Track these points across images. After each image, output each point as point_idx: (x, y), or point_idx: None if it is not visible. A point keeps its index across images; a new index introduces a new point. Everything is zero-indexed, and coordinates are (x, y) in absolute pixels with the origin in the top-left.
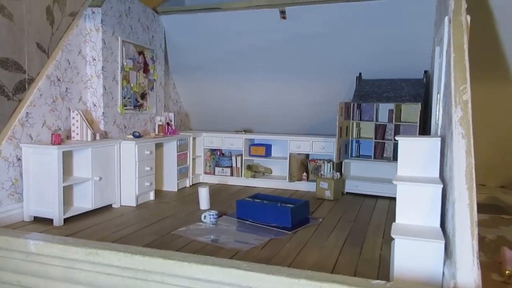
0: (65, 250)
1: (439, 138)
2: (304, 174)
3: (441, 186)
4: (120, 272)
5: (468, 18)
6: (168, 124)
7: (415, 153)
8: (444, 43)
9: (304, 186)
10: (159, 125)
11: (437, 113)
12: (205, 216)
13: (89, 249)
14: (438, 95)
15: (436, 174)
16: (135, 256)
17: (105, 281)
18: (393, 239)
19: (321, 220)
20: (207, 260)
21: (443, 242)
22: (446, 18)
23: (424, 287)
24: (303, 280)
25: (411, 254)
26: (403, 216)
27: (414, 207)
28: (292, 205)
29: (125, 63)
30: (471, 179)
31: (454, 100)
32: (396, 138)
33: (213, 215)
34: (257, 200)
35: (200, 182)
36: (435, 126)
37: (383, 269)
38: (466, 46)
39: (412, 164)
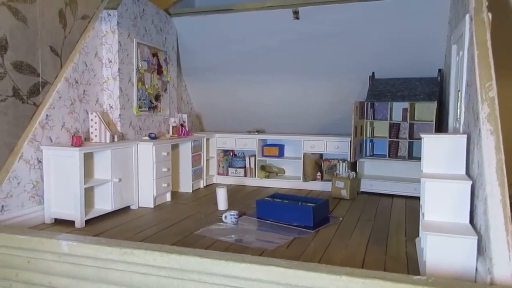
0: (99, 250)
1: (465, 135)
2: (318, 173)
3: (470, 182)
4: (156, 272)
5: (490, 15)
6: (182, 125)
7: (440, 151)
8: (465, 41)
9: (318, 186)
10: (173, 127)
11: (458, 110)
12: (225, 216)
13: (123, 248)
14: (459, 93)
15: (462, 171)
16: (171, 255)
17: (140, 281)
18: (417, 236)
19: (341, 219)
20: (245, 258)
21: (476, 238)
22: (467, 16)
23: (465, 282)
24: (345, 276)
25: (443, 250)
26: (432, 213)
27: (443, 204)
28: (313, 204)
29: (140, 65)
30: (502, 175)
31: (480, 97)
32: (421, 135)
33: (234, 215)
34: (277, 200)
35: (214, 183)
36: (454, 123)
37: (411, 266)
38: (489, 43)
39: (437, 161)
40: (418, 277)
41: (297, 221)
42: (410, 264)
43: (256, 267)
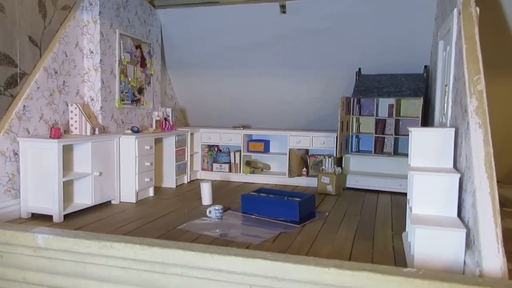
0: (76, 244)
1: (453, 129)
2: (304, 169)
3: (459, 175)
4: (136, 266)
5: (478, 10)
6: (165, 119)
7: (428, 144)
8: (452, 35)
9: (304, 182)
10: (156, 121)
11: (445, 105)
12: (210, 211)
13: (102, 242)
14: (446, 87)
15: (450, 164)
16: (153, 248)
17: (120, 275)
18: (404, 231)
19: (327, 214)
20: (230, 251)
21: (465, 231)
22: (455, 10)
23: (455, 274)
24: (333, 269)
25: (431, 243)
26: (420, 206)
27: (431, 197)
28: (299, 199)
29: (122, 57)
30: (490, 168)
31: (469, 90)
32: (409, 128)
33: (218, 209)
34: (263, 194)
35: (198, 179)
36: (440, 118)
37: (399, 260)
38: (477, 37)
39: (425, 155)
40: (408, 269)
41: (283, 216)
42: (398, 258)
43: (242, 260)
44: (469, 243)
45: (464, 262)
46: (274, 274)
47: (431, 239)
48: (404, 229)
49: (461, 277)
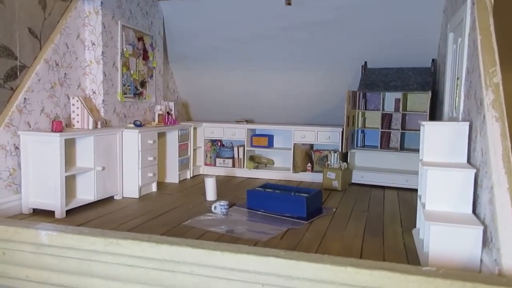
0: (81, 241)
1: (467, 123)
2: (309, 164)
3: (474, 170)
4: (144, 263)
5: (492, 0)
6: (168, 113)
7: (441, 138)
8: (465, 26)
9: (308, 177)
10: (159, 115)
11: (457, 98)
12: (215, 207)
13: (108, 238)
14: (458, 81)
15: (463, 159)
16: (161, 246)
17: (126, 273)
18: (414, 227)
19: (334, 210)
20: (241, 249)
21: (482, 228)
22: (469, 1)
23: (477, 273)
24: (350, 268)
25: (447, 241)
26: (433, 202)
27: (445, 193)
28: (306, 195)
29: (125, 49)
30: (508, 163)
31: (484, 83)
32: (421, 123)
33: (224, 205)
34: (269, 190)
35: (201, 174)
36: (449, 113)
37: (411, 258)
38: (492, 28)
39: (438, 149)
40: (428, 268)
41: (289, 212)
42: (410, 255)
43: (254, 258)
44: (486, 241)
45: (481, 260)
46: (288, 272)
47: (446, 236)
48: (414, 226)
49: (483, 277)
